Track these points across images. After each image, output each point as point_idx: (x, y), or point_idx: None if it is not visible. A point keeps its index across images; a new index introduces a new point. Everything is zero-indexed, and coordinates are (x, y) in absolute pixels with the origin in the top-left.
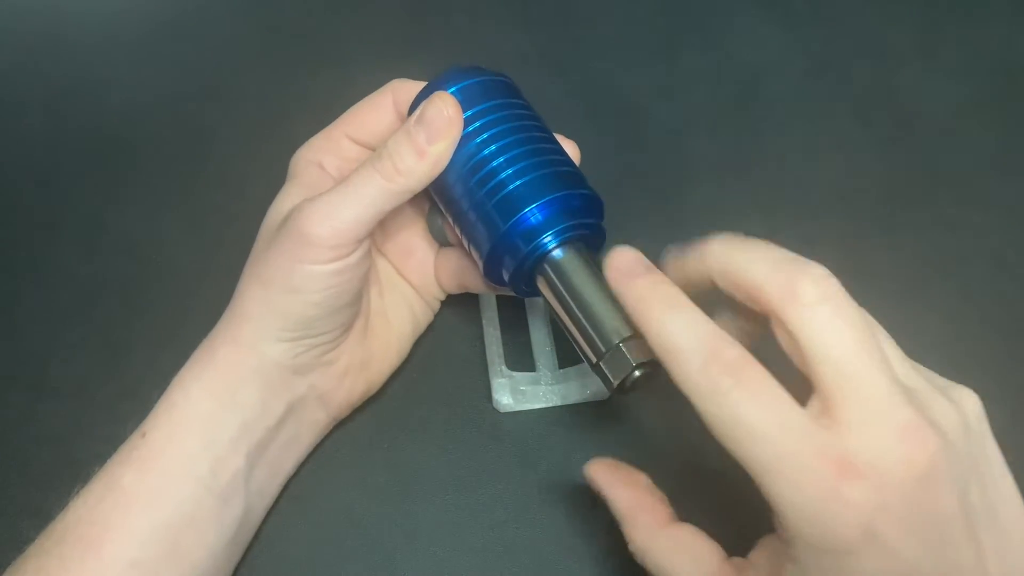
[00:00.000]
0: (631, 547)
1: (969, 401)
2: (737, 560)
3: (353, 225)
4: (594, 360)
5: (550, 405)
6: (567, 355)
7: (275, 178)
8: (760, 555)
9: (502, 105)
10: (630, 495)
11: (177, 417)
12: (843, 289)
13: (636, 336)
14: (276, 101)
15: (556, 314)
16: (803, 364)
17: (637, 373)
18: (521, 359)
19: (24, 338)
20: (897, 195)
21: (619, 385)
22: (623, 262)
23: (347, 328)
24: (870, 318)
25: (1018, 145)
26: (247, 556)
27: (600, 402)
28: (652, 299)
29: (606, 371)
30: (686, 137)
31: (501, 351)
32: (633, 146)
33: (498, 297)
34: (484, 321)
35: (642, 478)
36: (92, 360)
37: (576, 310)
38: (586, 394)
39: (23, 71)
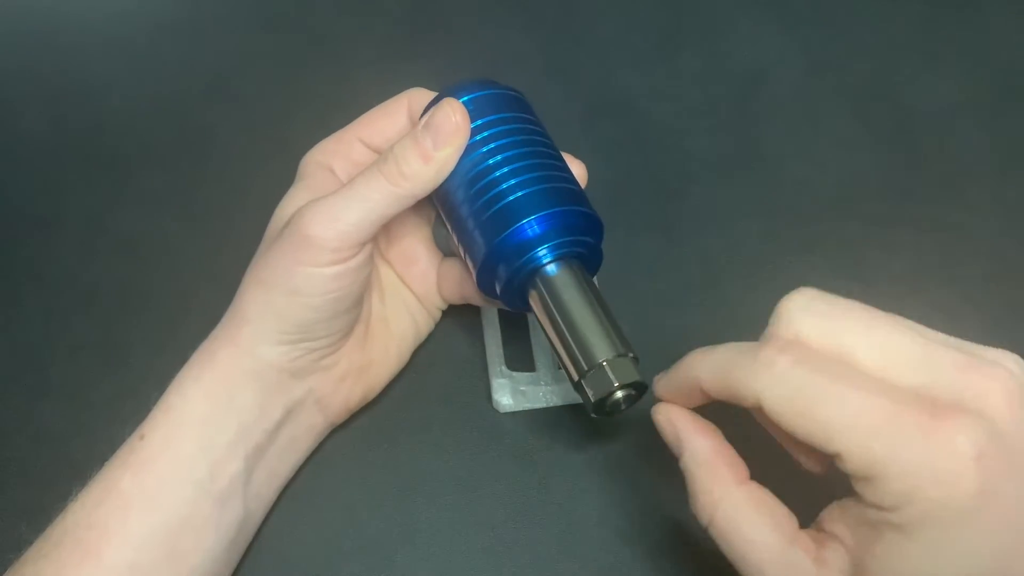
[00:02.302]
0: (700, 500)
1: (1008, 360)
2: (811, 531)
3: (356, 228)
4: (576, 378)
5: (550, 405)
6: None
7: (275, 178)
8: (837, 526)
9: (512, 119)
10: (712, 444)
11: (175, 420)
12: (795, 350)
13: (621, 357)
14: (276, 101)
15: (544, 330)
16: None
17: (618, 395)
18: (521, 359)
19: (24, 338)
20: (897, 195)
21: (598, 404)
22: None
23: (347, 333)
24: (863, 312)
25: (1018, 145)
26: (247, 555)
27: None
28: (690, 364)
29: (587, 389)
30: (686, 137)
31: (501, 351)
32: (633, 146)
33: None
34: (484, 321)
35: (718, 430)
36: (92, 360)
37: (563, 327)
38: None
39: (23, 71)
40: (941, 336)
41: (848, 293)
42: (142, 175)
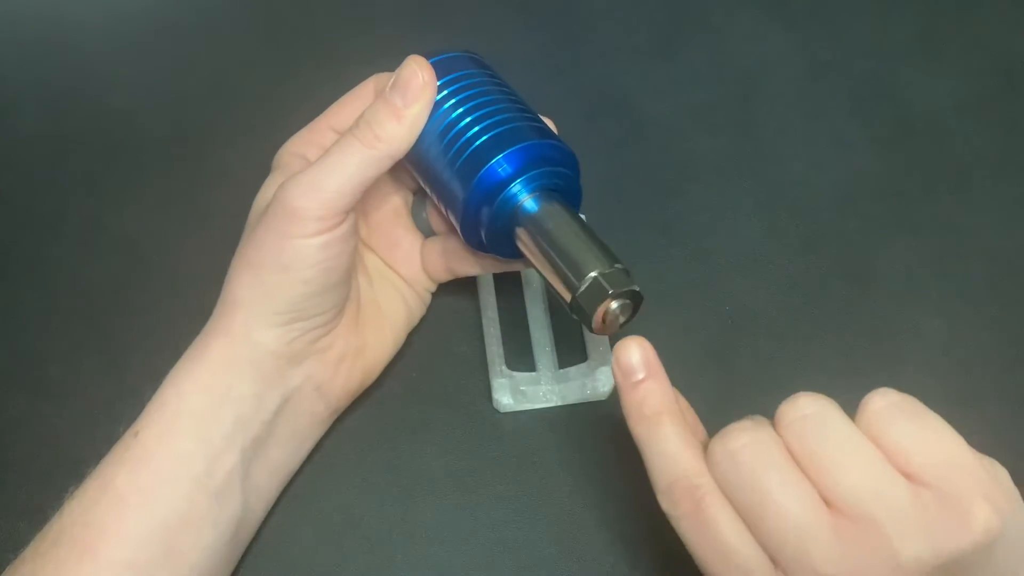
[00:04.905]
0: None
1: (987, 499)
2: None
3: (338, 195)
4: (570, 297)
5: (550, 405)
6: (567, 355)
7: None
8: None
9: (470, 74)
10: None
11: (169, 415)
12: (755, 440)
13: (613, 269)
14: (276, 101)
15: (536, 267)
16: None
17: (614, 305)
18: (521, 359)
19: (24, 338)
20: (897, 195)
21: (595, 317)
22: (625, 362)
23: (339, 311)
24: (842, 434)
25: (1018, 145)
26: (247, 556)
27: (600, 402)
28: (638, 417)
29: (583, 305)
30: (686, 137)
31: (501, 351)
32: (633, 146)
33: (498, 296)
34: (484, 321)
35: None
36: (92, 360)
37: (553, 254)
38: (586, 394)
39: (23, 72)
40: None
41: (847, 293)
42: (142, 175)
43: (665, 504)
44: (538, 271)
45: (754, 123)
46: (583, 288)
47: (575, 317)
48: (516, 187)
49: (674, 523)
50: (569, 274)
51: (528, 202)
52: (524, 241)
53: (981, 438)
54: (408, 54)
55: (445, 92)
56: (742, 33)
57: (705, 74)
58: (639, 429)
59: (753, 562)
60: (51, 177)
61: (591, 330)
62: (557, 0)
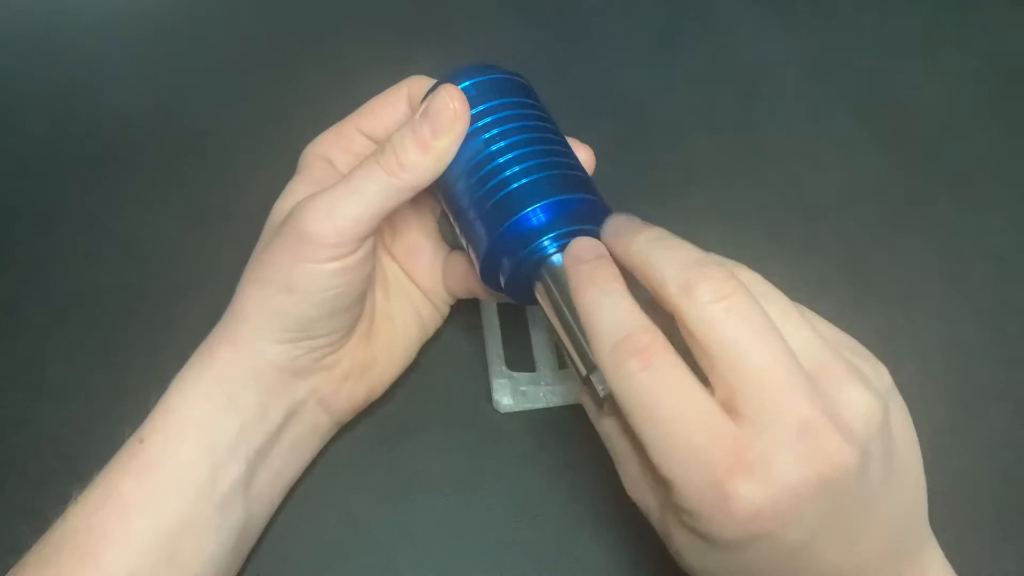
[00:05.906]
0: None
1: (881, 376)
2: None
3: (354, 223)
4: (585, 373)
5: (550, 405)
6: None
7: (275, 178)
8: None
9: (514, 104)
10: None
11: (175, 422)
12: (742, 287)
13: None
14: (276, 101)
15: (551, 324)
16: (703, 361)
17: None
18: (521, 359)
19: (23, 338)
20: (897, 195)
21: (608, 398)
22: (578, 250)
23: (349, 331)
24: (782, 301)
25: (1018, 145)
26: (248, 555)
27: None
28: (588, 282)
29: (596, 385)
30: (686, 137)
31: (501, 351)
32: (633, 146)
33: None
34: (484, 321)
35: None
36: (91, 361)
37: (571, 320)
38: None
39: (23, 71)
40: (812, 363)
41: (847, 294)
42: (142, 175)
43: (615, 361)
44: (552, 329)
45: (754, 123)
46: (599, 369)
47: (585, 388)
48: (546, 241)
49: (623, 382)
50: (585, 347)
51: (555, 258)
52: (543, 297)
53: (981, 438)
54: (409, 53)
55: (485, 120)
56: (742, 33)
57: (705, 74)
58: (589, 292)
59: (716, 408)
60: (51, 177)
61: (600, 408)
62: (557, 0)
